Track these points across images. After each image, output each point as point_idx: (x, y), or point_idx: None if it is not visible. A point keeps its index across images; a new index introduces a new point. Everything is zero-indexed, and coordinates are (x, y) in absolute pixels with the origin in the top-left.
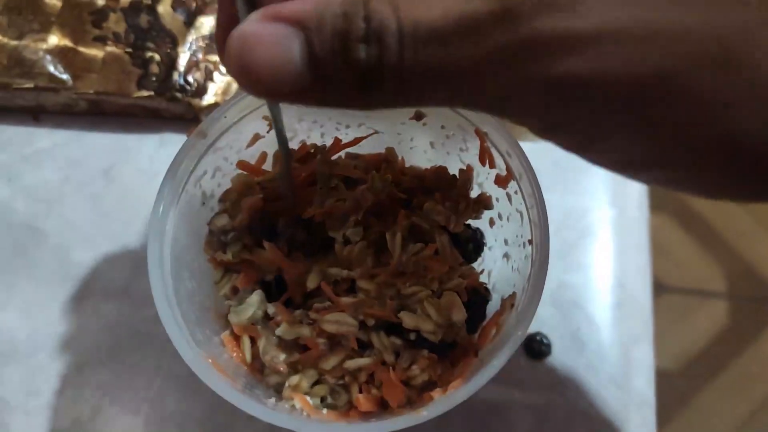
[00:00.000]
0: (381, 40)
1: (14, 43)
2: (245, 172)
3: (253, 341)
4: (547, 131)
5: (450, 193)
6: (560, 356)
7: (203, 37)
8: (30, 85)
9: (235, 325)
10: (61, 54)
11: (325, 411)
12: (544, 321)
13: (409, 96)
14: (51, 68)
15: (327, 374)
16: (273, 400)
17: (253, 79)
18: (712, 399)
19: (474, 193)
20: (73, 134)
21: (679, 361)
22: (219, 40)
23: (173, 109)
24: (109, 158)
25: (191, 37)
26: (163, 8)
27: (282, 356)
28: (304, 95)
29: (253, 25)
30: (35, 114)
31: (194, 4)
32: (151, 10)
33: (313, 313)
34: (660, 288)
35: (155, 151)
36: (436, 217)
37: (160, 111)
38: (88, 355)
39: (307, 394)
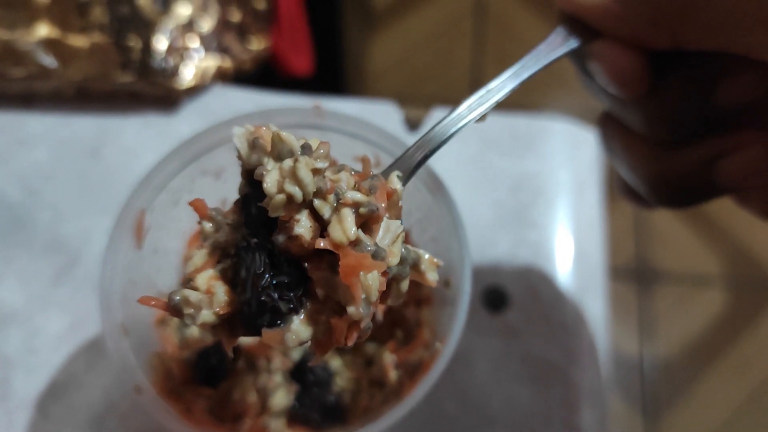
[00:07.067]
0: None
1: (7, 35)
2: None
3: None
4: None
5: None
6: (517, 307)
7: (179, 26)
8: (22, 73)
9: None
10: (50, 44)
11: None
12: (501, 275)
13: None
14: (41, 57)
15: None
16: None
17: None
18: (710, 384)
19: None
20: (62, 118)
21: (677, 348)
22: None
23: (154, 92)
24: (96, 139)
25: (168, 25)
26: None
27: None
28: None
29: None
30: (27, 100)
31: None
32: (131, 1)
33: None
34: (657, 275)
35: (138, 131)
36: None
37: (142, 93)
38: (80, 315)
39: None
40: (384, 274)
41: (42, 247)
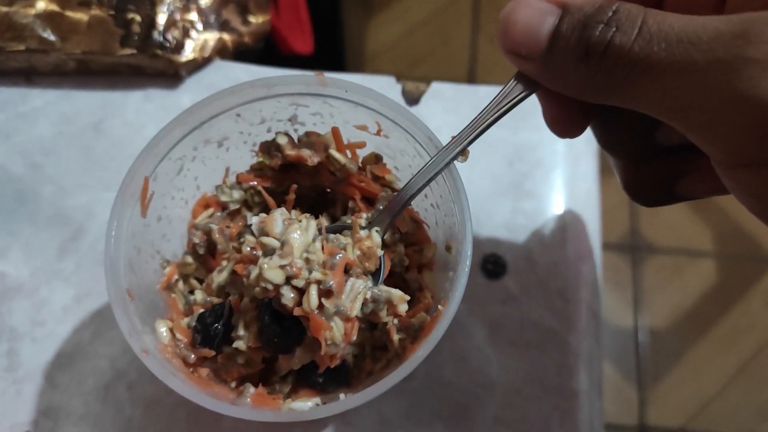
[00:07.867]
0: (620, 26)
1: (5, 9)
2: None
3: None
4: (732, 166)
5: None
6: (514, 275)
7: None
8: (21, 47)
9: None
10: (49, 18)
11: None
12: (499, 243)
13: (618, 80)
14: (40, 31)
15: None
16: None
17: (505, 32)
18: (702, 354)
19: None
20: (64, 93)
21: (670, 320)
22: None
23: (155, 66)
24: (98, 113)
25: None
26: None
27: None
28: (535, 62)
29: None
30: (28, 75)
31: None
32: None
33: None
34: (650, 248)
35: (140, 105)
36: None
37: (143, 68)
38: (85, 287)
39: None
40: (350, 320)
41: (46, 220)
